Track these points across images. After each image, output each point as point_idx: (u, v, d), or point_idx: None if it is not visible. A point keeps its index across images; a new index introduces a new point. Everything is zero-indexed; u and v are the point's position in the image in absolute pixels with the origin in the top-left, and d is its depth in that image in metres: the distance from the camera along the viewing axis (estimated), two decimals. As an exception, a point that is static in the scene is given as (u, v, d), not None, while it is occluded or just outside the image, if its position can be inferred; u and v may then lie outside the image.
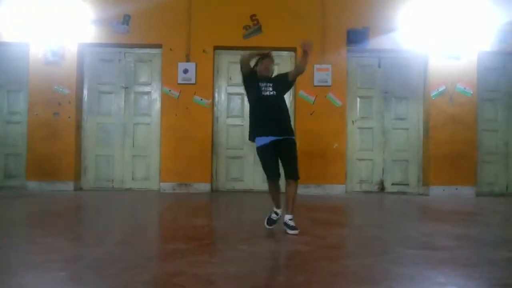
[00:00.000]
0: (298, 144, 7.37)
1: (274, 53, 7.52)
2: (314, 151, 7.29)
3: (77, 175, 7.41)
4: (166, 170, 7.36)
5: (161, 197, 6.76)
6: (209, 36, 7.38)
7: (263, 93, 4.08)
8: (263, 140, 4.05)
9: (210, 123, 7.42)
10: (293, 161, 4.13)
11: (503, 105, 7.79)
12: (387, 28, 7.38)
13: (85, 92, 7.59)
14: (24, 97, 7.48)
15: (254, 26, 7.40)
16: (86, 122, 7.57)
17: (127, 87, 7.61)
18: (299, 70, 4.32)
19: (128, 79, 7.62)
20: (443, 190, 7.29)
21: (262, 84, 4.11)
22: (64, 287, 2.52)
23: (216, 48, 7.49)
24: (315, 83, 7.35)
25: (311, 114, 7.35)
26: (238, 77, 7.58)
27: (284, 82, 4.25)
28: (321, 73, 7.36)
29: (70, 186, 7.21)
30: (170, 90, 7.35)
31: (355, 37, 7.39)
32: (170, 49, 7.36)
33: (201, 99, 7.36)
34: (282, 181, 4.18)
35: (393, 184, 7.66)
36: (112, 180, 7.57)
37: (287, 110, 4.22)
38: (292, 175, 4.10)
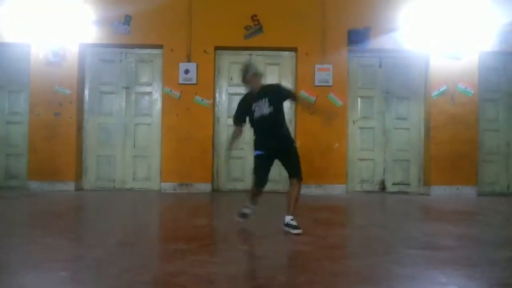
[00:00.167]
0: (299, 143, 7.41)
1: (275, 53, 7.59)
2: (315, 151, 7.28)
3: (78, 175, 7.41)
4: (167, 170, 7.36)
5: (162, 197, 6.76)
6: (210, 36, 7.38)
7: (259, 113, 4.14)
8: (261, 151, 4.20)
9: (211, 123, 7.42)
10: (294, 162, 4.23)
11: (504, 105, 7.78)
12: (388, 28, 7.37)
13: (86, 92, 7.60)
14: (25, 98, 7.49)
15: (255, 26, 7.39)
16: (87, 122, 7.58)
17: (128, 88, 7.61)
18: (295, 101, 4.69)
19: (129, 80, 7.62)
20: (444, 190, 7.28)
21: (257, 104, 4.15)
22: (64, 287, 2.52)
23: (217, 48, 7.49)
24: (316, 83, 7.34)
25: (312, 114, 7.33)
26: (238, 78, 7.59)
27: (279, 95, 4.24)
28: (322, 73, 7.35)
29: (71, 186, 7.22)
30: (171, 91, 7.36)
31: (356, 37, 7.38)
32: (171, 50, 7.36)
33: (202, 99, 7.36)
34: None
35: (394, 184, 7.65)
36: (113, 180, 7.57)
37: (285, 124, 4.30)
38: (294, 174, 4.19)
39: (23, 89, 7.53)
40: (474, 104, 7.41)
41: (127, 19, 7.33)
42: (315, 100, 7.33)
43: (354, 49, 7.45)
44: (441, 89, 7.39)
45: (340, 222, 5.09)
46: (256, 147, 4.24)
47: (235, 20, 7.37)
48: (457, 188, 7.28)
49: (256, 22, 7.38)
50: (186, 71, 7.32)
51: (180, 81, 7.33)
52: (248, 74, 4.21)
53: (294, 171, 4.20)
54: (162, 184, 7.36)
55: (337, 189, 7.31)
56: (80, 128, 7.46)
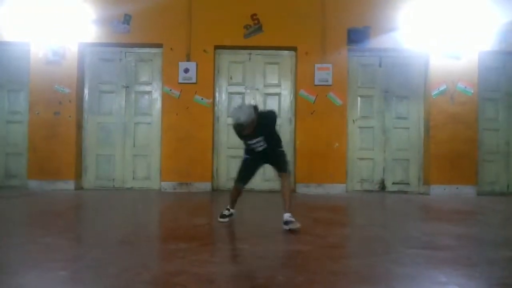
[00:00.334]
0: (298, 142, 7.43)
1: (275, 52, 7.59)
2: (315, 150, 7.29)
3: (78, 174, 7.41)
4: (166, 169, 7.36)
5: (162, 196, 6.76)
6: (210, 35, 7.37)
7: (253, 147, 4.25)
8: (248, 156, 4.39)
9: (210, 122, 7.42)
10: (279, 157, 4.33)
11: (503, 104, 7.78)
12: (388, 28, 7.37)
13: (86, 91, 7.60)
14: (25, 97, 7.49)
15: (255, 26, 7.39)
16: (86, 122, 7.58)
17: (127, 87, 7.61)
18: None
19: (128, 79, 7.62)
20: (444, 189, 7.29)
21: (252, 141, 4.21)
22: (64, 287, 2.52)
23: (217, 47, 7.48)
24: (316, 83, 7.34)
25: (311, 114, 7.34)
26: (238, 77, 7.61)
27: (270, 129, 4.26)
28: (321, 72, 7.35)
29: (71, 185, 7.22)
30: (170, 90, 7.35)
31: (355, 36, 7.38)
32: (171, 49, 7.36)
33: (202, 99, 7.35)
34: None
35: (393, 183, 7.65)
36: (113, 179, 7.57)
37: (275, 139, 4.35)
38: (280, 169, 4.32)
39: (22, 88, 7.52)
40: (474, 103, 7.41)
41: (127, 18, 7.33)
42: (315, 100, 7.33)
43: (354, 48, 7.45)
44: (441, 89, 7.39)
45: (339, 222, 5.09)
46: (245, 152, 4.42)
47: (235, 19, 7.37)
48: (457, 188, 7.28)
49: (256, 21, 7.38)
50: (186, 70, 7.32)
51: (180, 80, 7.33)
52: (243, 127, 3.98)
53: (280, 166, 4.33)
54: (162, 183, 7.36)
55: (336, 189, 7.31)
56: (79, 127, 7.46)
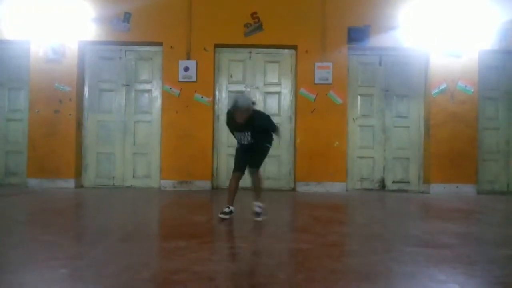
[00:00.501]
0: (298, 141, 7.44)
1: (275, 51, 7.59)
2: (315, 149, 7.29)
3: (78, 173, 7.41)
4: (166, 167, 7.36)
5: (162, 195, 6.76)
6: (210, 34, 7.37)
7: (240, 139, 4.53)
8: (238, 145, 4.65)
9: (210, 121, 7.42)
10: (256, 154, 4.56)
11: (503, 103, 7.78)
12: (388, 26, 7.37)
13: (86, 89, 7.59)
14: (25, 95, 7.49)
15: (255, 24, 7.39)
16: (87, 120, 7.58)
17: (127, 85, 7.61)
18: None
19: (128, 77, 7.62)
20: (444, 188, 7.29)
21: (240, 134, 4.48)
22: (64, 285, 2.52)
23: (217, 46, 7.48)
24: (316, 81, 7.34)
25: (312, 112, 7.34)
26: (238, 75, 7.60)
27: (261, 129, 4.48)
28: (322, 71, 7.35)
29: (71, 183, 7.22)
30: (170, 88, 7.35)
31: (356, 35, 7.37)
32: (171, 47, 7.35)
33: (202, 97, 7.35)
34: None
35: (393, 182, 7.66)
36: (113, 178, 7.57)
37: (264, 140, 4.58)
38: (252, 165, 4.58)
39: (22, 86, 7.53)
40: (474, 102, 7.41)
41: (127, 17, 7.33)
42: (315, 99, 7.33)
43: (354, 47, 7.45)
44: (441, 87, 7.39)
45: (339, 220, 5.10)
46: (237, 142, 4.66)
47: (235, 17, 7.36)
48: (457, 186, 7.29)
49: (256, 20, 7.38)
50: (186, 69, 7.32)
51: (180, 79, 7.33)
52: (237, 111, 4.28)
53: (254, 162, 4.57)
54: (162, 181, 7.36)
55: (336, 187, 7.32)
56: (79, 125, 7.46)
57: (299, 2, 7.43)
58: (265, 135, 4.58)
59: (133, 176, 7.58)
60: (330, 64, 7.35)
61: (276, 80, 7.63)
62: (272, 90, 7.60)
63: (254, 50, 7.57)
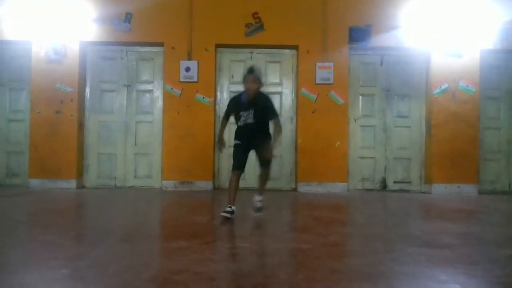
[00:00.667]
0: (300, 141, 7.43)
1: (276, 51, 7.57)
2: (316, 149, 7.29)
3: (79, 173, 7.42)
4: (168, 168, 7.37)
5: (163, 195, 6.76)
6: (211, 34, 7.37)
7: (243, 121, 4.57)
8: (239, 141, 4.68)
9: (212, 121, 7.42)
10: (266, 149, 4.55)
11: (505, 103, 7.77)
12: (389, 26, 7.37)
13: (87, 90, 7.61)
14: (27, 95, 7.50)
15: (256, 24, 7.39)
16: (88, 120, 7.59)
17: (129, 85, 7.62)
18: (273, 114, 4.67)
19: (130, 77, 7.63)
20: (445, 188, 7.29)
21: (244, 113, 4.55)
22: (65, 285, 2.52)
23: (218, 46, 7.48)
24: (317, 81, 7.34)
25: (313, 112, 7.34)
26: (240, 75, 7.59)
27: (265, 112, 4.58)
28: (323, 71, 7.35)
29: (72, 184, 7.23)
30: (172, 88, 7.36)
31: (357, 34, 7.37)
32: (172, 47, 7.36)
33: (203, 97, 7.36)
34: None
35: (395, 182, 7.65)
36: (115, 178, 7.58)
37: (266, 125, 4.67)
38: (265, 161, 4.61)
39: (24, 87, 7.54)
40: (475, 102, 7.40)
41: (128, 17, 7.34)
42: (316, 99, 7.33)
43: (355, 46, 7.44)
44: (443, 87, 7.38)
45: (341, 220, 5.09)
46: (235, 137, 4.71)
47: (236, 17, 7.37)
48: (458, 186, 7.28)
49: (257, 20, 7.38)
50: (187, 69, 7.33)
51: (181, 79, 7.34)
52: (251, 76, 4.47)
53: (265, 157, 4.57)
54: (163, 182, 7.37)
55: (338, 187, 7.32)
56: (81, 126, 7.47)
57: (300, 2, 7.43)
58: (266, 116, 4.60)
59: (135, 177, 7.59)
60: (331, 64, 7.35)
61: (277, 80, 7.63)
62: (273, 90, 7.59)
63: (255, 50, 7.58)
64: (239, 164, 4.65)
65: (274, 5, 7.41)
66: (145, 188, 7.47)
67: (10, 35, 7.34)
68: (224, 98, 7.62)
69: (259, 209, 4.63)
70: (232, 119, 4.83)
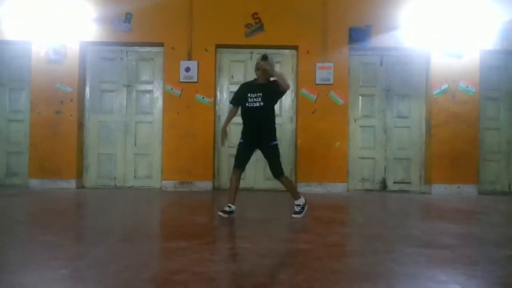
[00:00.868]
0: (300, 141, 7.43)
1: (276, 51, 7.57)
2: (316, 149, 7.29)
3: (79, 173, 7.42)
4: (168, 168, 7.36)
5: (163, 195, 6.76)
6: (211, 34, 7.37)
7: (250, 104, 4.61)
8: (243, 140, 4.76)
9: (212, 121, 7.42)
10: (272, 160, 4.68)
11: (505, 103, 7.77)
12: (389, 26, 7.36)
13: (87, 90, 7.60)
14: (26, 95, 7.50)
15: (256, 24, 7.39)
16: (88, 120, 7.58)
17: (129, 86, 7.61)
18: (282, 91, 4.67)
19: (130, 78, 7.62)
20: (445, 188, 7.28)
21: (252, 95, 4.61)
22: (65, 285, 2.52)
23: (218, 46, 7.48)
24: (317, 82, 7.34)
25: (313, 113, 7.34)
26: (239, 76, 7.60)
27: (274, 92, 4.63)
28: (323, 71, 7.34)
29: (72, 184, 7.23)
30: (172, 89, 7.36)
31: (357, 35, 7.37)
32: (172, 48, 7.36)
33: (203, 98, 7.36)
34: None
35: (395, 182, 7.64)
36: (114, 178, 7.58)
37: (272, 118, 4.71)
38: (274, 174, 4.70)
39: (24, 87, 7.53)
40: (475, 102, 7.40)
41: (128, 17, 7.33)
42: (316, 99, 7.33)
43: (355, 47, 7.44)
44: (442, 87, 7.38)
45: (340, 221, 5.10)
46: (241, 136, 4.77)
47: (236, 18, 7.36)
48: (458, 187, 7.28)
49: (257, 20, 7.38)
50: (187, 69, 7.32)
51: (181, 79, 7.33)
52: (263, 64, 4.59)
53: (273, 171, 4.67)
54: (163, 182, 7.36)
55: (338, 188, 7.31)
56: (81, 126, 7.47)
57: (300, 2, 7.43)
58: (274, 101, 4.69)
59: (134, 177, 7.59)
60: (331, 64, 7.34)
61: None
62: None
63: (255, 51, 7.56)
64: (239, 163, 4.71)
65: (274, 5, 7.41)
66: (145, 188, 7.46)
67: (10, 35, 7.33)
68: (224, 98, 7.62)
69: (296, 212, 4.68)
70: (239, 112, 4.85)
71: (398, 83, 7.66)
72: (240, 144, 4.75)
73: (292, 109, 7.59)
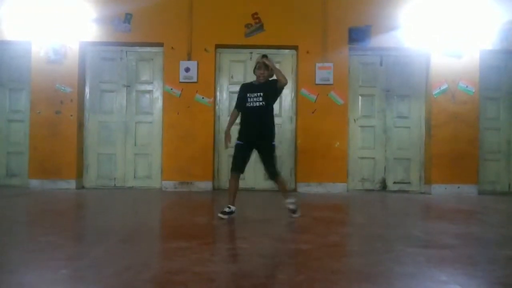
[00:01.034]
0: (299, 141, 7.43)
1: (275, 51, 7.57)
2: (316, 149, 7.29)
3: (79, 174, 7.42)
4: (168, 168, 7.36)
5: (163, 195, 6.76)
6: (211, 34, 7.37)
7: (250, 103, 4.61)
8: (240, 141, 4.72)
9: (211, 121, 7.42)
10: (267, 161, 4.65)
11: (505, 103, 7.77)
12: (389, 26, 7.37)
13: (87, 90, 7.60)
14: (26, 96, 7.50)
15: (256, 25, 7.39)
16: (88, 121, 7.58)
17: (129, 86, 7.61)
18: (281, 85, 4.62)
19: (129, 78, 7.63)
20: (445, 188, 7.28)
21: (252, 95, 4.62)
22: (65, 285, 2.52)
23: (218, 46, 7.48)
24: (317, 82, 7.34)
25: (312, 113, 7.34)
26: (239, 76, 7.60)
27: (275, 90, 4.64)
28: (322, 71, 7.35)
29: (72, 184, 7.23)
30: (171, 89, 7.36)
31: (357, 35, 7.37)
32: (172, 48, 7.36)
33: (203, 98, 7.36)
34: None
35: (394, 182, 7.65)
36: (114, 179, 7.58)
37: (272, 118, 4.72)
38: (271, 176, 4.72)
39: (24, 87, 7.53)
40: (475, 102, 7.40)
41: (128, 17, 7.33)
42: (316, 99, 7.33)
43: (355, 47, 7.44)
44: (442, 88, 7.38)
45: (340, 221, 5.09)
46: (238, 137, 4.73)
47: (236, 18, 7.37)
48: (458, 187, 7.28)
49: (257, 20, 7.38)
50: (187, 69, 7.32)
51: (181, 79, 7.33)
52: (264, 59, 4.60)
53: (270, 172, 4.67)
54: (163, 182, 7.36)
55: (337, 188, 7.31)
56: (81, 126, 7.47)
57: (300, 2, 7.43)
58: (274, 99, 4.70)
59: (134, 177, 7.59)
60: (331, 64, 7.35)
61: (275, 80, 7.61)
62: (273, 91, 7.59)
63: (255, 51, 7.56)
64: (237, 167, 4.68)
65: (274, 5, 7.41)
66: (144, 189, 7.46)
67: (10, 35, 7.33)
68: (223, 98, 7.62)
69: (293, 211, 4.67)
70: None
71: (398, 83, 7.66)
72: (237, 145, 4.71)
73: (292, 109, 7.59)
